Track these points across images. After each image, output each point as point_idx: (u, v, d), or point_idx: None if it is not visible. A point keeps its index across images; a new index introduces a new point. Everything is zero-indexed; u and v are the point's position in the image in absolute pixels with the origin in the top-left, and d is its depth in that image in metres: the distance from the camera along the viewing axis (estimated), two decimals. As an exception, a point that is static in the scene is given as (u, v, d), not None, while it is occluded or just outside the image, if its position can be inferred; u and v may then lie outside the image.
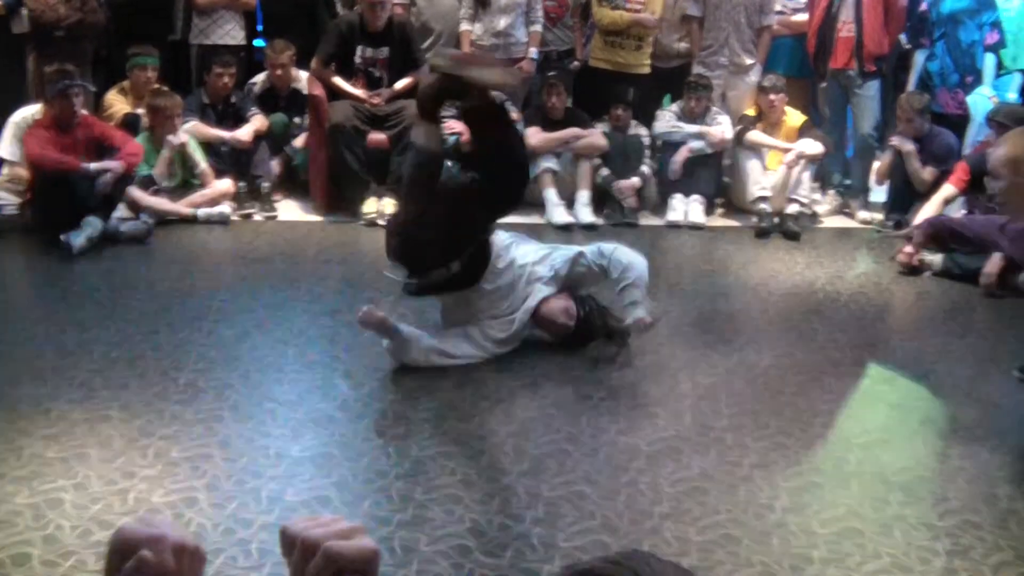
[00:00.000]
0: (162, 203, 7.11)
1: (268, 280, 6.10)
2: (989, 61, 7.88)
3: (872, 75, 7.92)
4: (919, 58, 8.09)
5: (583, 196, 7.66)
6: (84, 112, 6.81)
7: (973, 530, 3.68)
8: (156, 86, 7.47)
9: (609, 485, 3.87)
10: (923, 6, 8.05)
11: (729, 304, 6.15)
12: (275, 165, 7.76)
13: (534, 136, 7.70)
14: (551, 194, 7.62)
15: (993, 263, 6.39)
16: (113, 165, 6.55)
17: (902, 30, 8.02)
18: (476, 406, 4.52)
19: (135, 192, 6.92)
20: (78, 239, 6.32)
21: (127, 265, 6.30)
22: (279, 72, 7.86)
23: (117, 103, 7.52)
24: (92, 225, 6.46)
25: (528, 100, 8.23)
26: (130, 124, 7.25)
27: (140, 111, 7.37)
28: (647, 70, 8.20)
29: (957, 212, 7.12)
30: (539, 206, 7.67)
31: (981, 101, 7.87)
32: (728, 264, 6.85)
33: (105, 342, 5.01)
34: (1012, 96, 7.76)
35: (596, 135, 7.80)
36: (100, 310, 5.49)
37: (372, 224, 7.21)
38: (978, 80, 7.91)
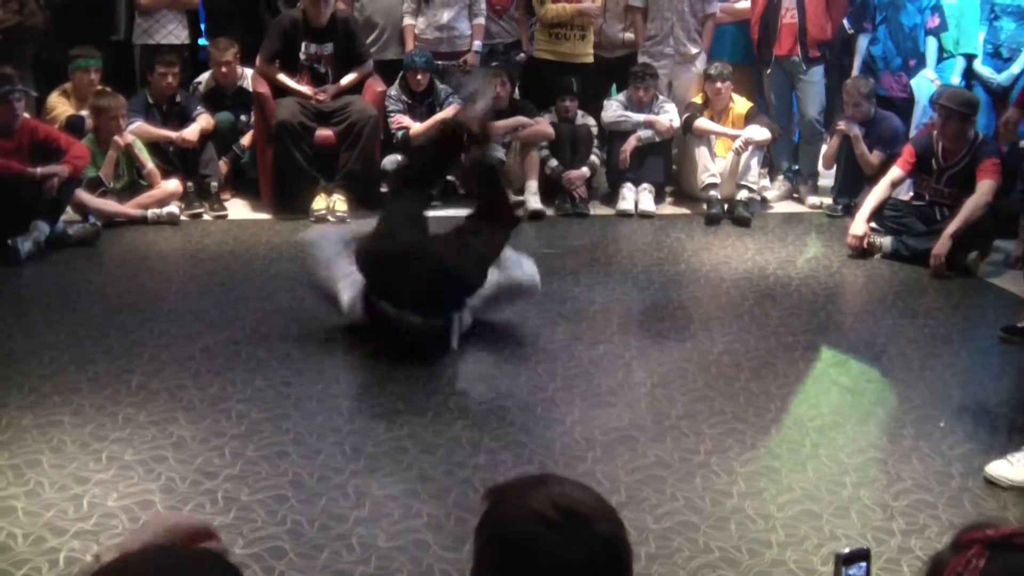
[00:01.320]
0: (109, 205, 7.02)
1: (219, 279, 6.05)
2: (931, 44, 7.95)
3: (816, 61, 7.97)
4: (862, 42, 8.15)
5: (531, 185, 7.66)
6: (26, 116, 6.71)
7: (928, 509, 3.73)
8: (99, 87, 7.38)
9: (565, 475, 3.85)
10: (865, -9, 8.12)
11: (681, 292, 6.17)
12: (223, 164, 7.70)
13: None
14: (498, 185, 7.61)
15: (942, 243, 6.46)
16: (59, 169, 6.45)
17: (844, 15, 8.08)
18: (429, 400, 4.51)
19: (82, 194, 6.82)
20: (25, 244, 6.24)
21: (76, 268, 6.22)
22: (224, 70, 7.78)
23: (60, 106, 7.41)
24: (39, 229, 6.36)
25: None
26: (74, 126, 7.15)
27: (84, 113, 7.28)
28: (591, 59, 8.21)
29: (905, 194, 7.20)
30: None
31: (925, 84, 7.95)
32: (679, 252, 6.87)
33: (54, 347, 4.94)
34: (955, 80, 7.83)
35: (543, 122, 7.81)
36: (49, 314, 5.43)
37: (321, 221, 7.17)
38: (921, 63, 7.99)
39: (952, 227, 6.49)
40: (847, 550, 2.00)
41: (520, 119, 7.77)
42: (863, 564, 2.01)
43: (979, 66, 7.89)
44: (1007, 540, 1.46)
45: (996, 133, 7.10)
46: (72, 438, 4.05)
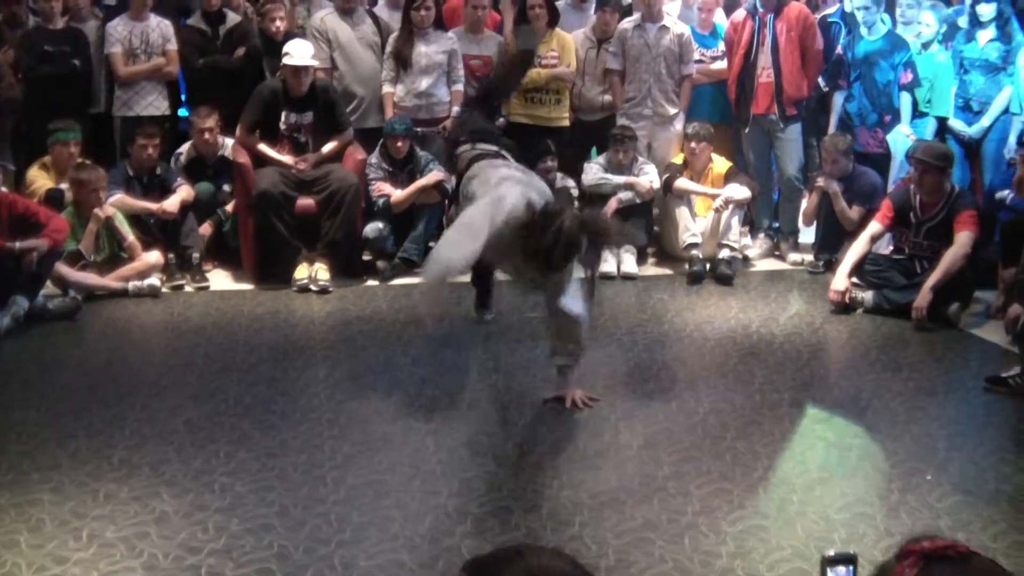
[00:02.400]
0: (90, 278, 7.00)
1: (201, 351, 6.01)
2: (905, 100, 8.05)
3: (793, 119, 8.04)
4: (838, 100, 8.23)
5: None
6: (4, 190, 6.71)
7: (918, 564, 3.69)
8: (79, 160, 7.38)
9: (553, 540, 3.83)
10: (838, 49, 8.22)
11: (665, 352, 6.17)
12: (206, 227, 7.68)
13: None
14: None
15: (923, 296, 6.49)
16: (38, 243, 6.43)
17: (820, 73, 8.17)
18: (415, 467, 4.47)
19: (62, 268, 6.80)
20: (4, 319, 6.20)
21: (56, 343, 6.18)
22: (205, 137, 7.79)
23: (39, 179, 7.40)
24: (18, 304, 6.33)
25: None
26: (54, 199, 7.14)
27: (64, 186, 7.27)
28: (566, 123, 8.29)
29: (885, 248, 7.23)
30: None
31: (901, 139, 8.03)
32: (663, 312, 6.87)
33: (34, 423, 4.90)
34: (930, 136, 7.92)
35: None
36: (28, 390, 5.38)
37: (304, 290, 7.15)
38: (896, 119, 8.07)
39: (932, 279, 6.52)
40: (832, 552, 2.05)
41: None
42: (849, 568, 2.04)
43: (952, 120, 8.00)
44: (940, 552, 1.62)
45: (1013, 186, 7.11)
46: (51, 516, 3.99)
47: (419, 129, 7.95)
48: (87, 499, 4.13)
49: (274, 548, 3.78)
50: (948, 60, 8.09)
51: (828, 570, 2.03)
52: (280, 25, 8.05)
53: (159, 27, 8.13)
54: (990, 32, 7.83)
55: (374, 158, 7.74)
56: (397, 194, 7.62)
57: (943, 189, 6.75)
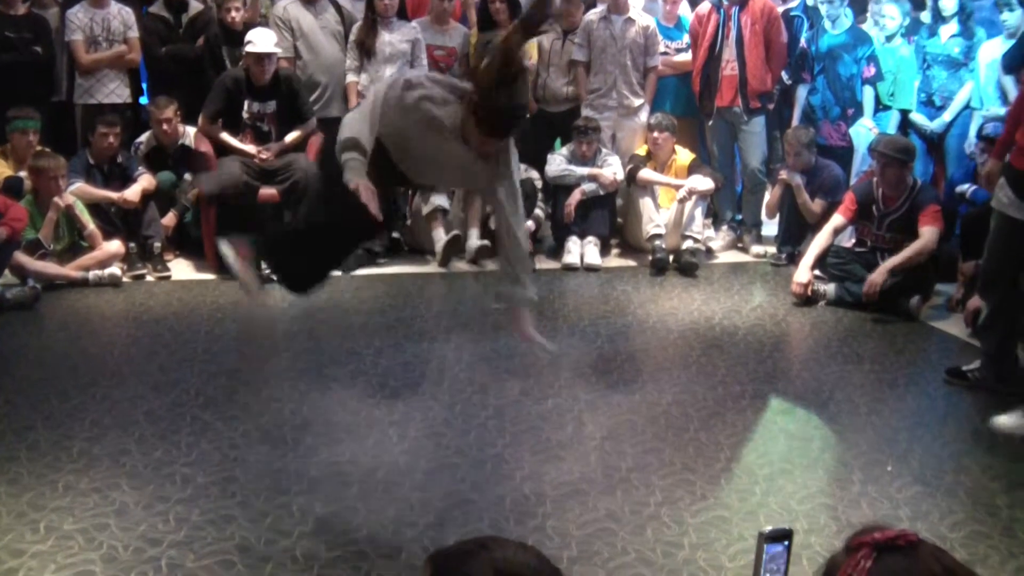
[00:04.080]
0: (49, 267, 6.93)
1: (162, 341, 5.97)
2: (868, 94, 8.11)
3: (757, 111, 8.08)
4: (801, 93, 8.28)
5: (474, 232, 7.67)
6: (-38, 179, 6.63)
7: (878, 555, 3.72)
8: (39, 148, 7.30)
9: (517, 532, 3.84)
10: (803, 43, 8.26)
11: (629, 344, 6.18)
12: (170, 216, 7.62)
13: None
14: (441, 234, 7.62)
15: (879, 272, 6.59)
16: (-5, 231, 6.37)
17: (783, 67, 8.20)
18: (378, 459, 4.45)
19: (21, 257, 6.72)
20: (-39, 309, 6.14)
21: (14, 333, 6.11)
22: (165, 128, 7.73)
23: (-2, 167, 7.33)
24: (-25, 293, 6.27)
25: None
26: (12, 188, 7.05)
27: (22, 174, 7.19)
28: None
29: (847, 241, 7.27)
30: (425, 251, 7.85)
31: (863, 132, 8.09)
32: (626, 304, 6.88)
33: (-8, 414, 4.85)
34: (892, 131, 7.98)
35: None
36: (-14, 381, 5.32)
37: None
38: (859, 112, 8.14)
39: (892, 262, 6.63)
40: (769, 529, 2.08)
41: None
42: (784, 543, 2.07)
43: (914, 115, 8.07)
44: (891, 542, 1.62)
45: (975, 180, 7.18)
46: (7, 508, 3.94)
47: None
48: (45, 491, 4.09)
49: (236, 539, 3.75)
50: (911, 54, 8.14)
51: (765, 546, 2.06)
52: (236, 16, 7.97)
53: (120, 14, 8.05)
54: (952, 27, 7.89)
55: (337, 148, 7.70)
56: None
57: (905, 182, 6.79)
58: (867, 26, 8.42)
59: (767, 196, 8.16)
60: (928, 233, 6.64)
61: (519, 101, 3.82)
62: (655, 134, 7.89)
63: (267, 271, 4.94)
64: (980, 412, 5.18)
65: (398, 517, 3.95)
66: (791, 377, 5.80)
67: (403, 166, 4.07)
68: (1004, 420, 4.93)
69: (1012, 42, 7.25)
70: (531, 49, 8.16)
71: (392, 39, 7.92)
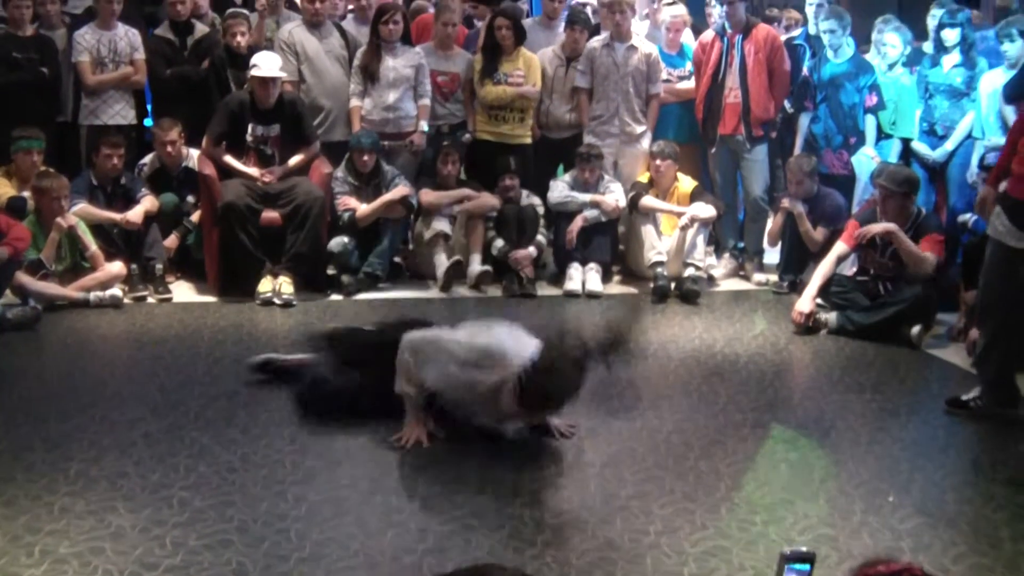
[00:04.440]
0: (51, 287, 6.93)
1: (162, 363, 5.96)
2: (870, 122, 8.13)
3: (759, 139, 8.09)
4: (803, 121, 8.29)
5: (476, 257, 7.68)
6: (-35, 198, 6.64)
7: (878, 586, 3.69)
8: (43, 168, 7.31)
9: (515, 559, 3.81)
10: (805, 71, 8.28)
11: (629, 371, 6.14)
12: (172, 239, 7.63)
13: (427, 195, 7.77)
14: (443, 259, 7.62)
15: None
16: (-2, 251, 6.37)
17: (786, 95, 8.22)
18: (376, 484, 4.44)
19: (22, 277, 6.72)
20: (-39, 328, 6.14)
21: (14, 353, 6.10)
22: (168, 150, 7.75)
23: (1, 187, 7.33)
24: (-24, 313, 6.27)
25: (421, 170, 8.24)
26: (15, 208, 7.07)
27: (26, 194, 7.20)
28: (529, 140, 8.30)
29: (849, 269, 7.27)
30: (426, 276, 7.84)
31: (865, 161, 8.10)
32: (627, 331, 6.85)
33: (-11, 435, 4.83)
34: (894, 160, 7.99)
35: (487, 196, 7.87)
36: (-16, 401, 5.31)
37: (267, 304, 7.11)
38: (861, 141, 8.15)
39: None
40: (789, 551, 2.03)
41: (465, 191, 7.85)
42: (807, 566, 2.02)
43: (916, 144, 8.08)
44: None
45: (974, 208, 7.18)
46: (3, 531, 3.91)
47: (386, 143, 7.95)
48: (41, 513, 4.06)
49: (233, 564, 3.73)
50: (912, 83, 8.16)
51: (786, 567, 2.02)
52: (241, 40, 8.02)
53: (127, 36, 8.10)
54: (955, 57, 7.91)
55: (340, 172, 7.73)
56: (362, 208, 7.61)
57: (907, 213, 6.79)
58: (870, 55, 8.45)
59: (769, 224, 8.17)
60: (927, 256, 6.65)
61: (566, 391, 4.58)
62: (657, 162, 7.91)
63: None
64: (981, 442, 5.16)
65: (396, 543, 3.93)
66: (792, 406, 5.78)
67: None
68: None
69: (1013, 72, 7.26)
70: (535, 75, 8.19)
71: (396, 64, 7.95)
